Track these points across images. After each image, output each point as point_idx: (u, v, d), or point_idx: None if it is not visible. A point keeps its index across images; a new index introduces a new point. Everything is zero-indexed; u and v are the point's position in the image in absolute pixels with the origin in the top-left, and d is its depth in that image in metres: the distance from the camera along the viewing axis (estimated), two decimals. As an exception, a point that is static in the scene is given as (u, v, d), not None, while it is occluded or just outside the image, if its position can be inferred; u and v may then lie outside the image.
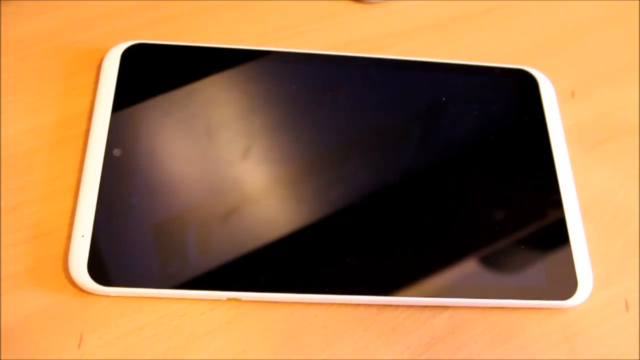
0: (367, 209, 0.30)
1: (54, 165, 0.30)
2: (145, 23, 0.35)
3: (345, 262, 0.29)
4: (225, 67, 0.33)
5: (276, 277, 0.28)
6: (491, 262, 0.30)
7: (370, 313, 0.29)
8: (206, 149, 0.31)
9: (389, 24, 0.37)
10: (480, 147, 0.33)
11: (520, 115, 0.34)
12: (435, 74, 0.34)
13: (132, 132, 0.30)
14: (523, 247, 0.30)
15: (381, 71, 0.34)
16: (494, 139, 0.33)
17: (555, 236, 0.31)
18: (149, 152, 0.30)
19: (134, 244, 0.28)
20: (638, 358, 0.30)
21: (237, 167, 0.31)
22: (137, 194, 0.29)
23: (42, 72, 0.33)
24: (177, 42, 0.33)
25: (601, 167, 0.34)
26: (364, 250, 0.29)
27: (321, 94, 0.33)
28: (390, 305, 0.29)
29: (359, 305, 0.29)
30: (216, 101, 0.32)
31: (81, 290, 0.28)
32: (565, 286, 0.30)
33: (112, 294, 0.28)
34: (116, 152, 0.30)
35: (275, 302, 0.29)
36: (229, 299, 0.28)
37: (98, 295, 0.28)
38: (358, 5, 0.37)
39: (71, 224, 0.29)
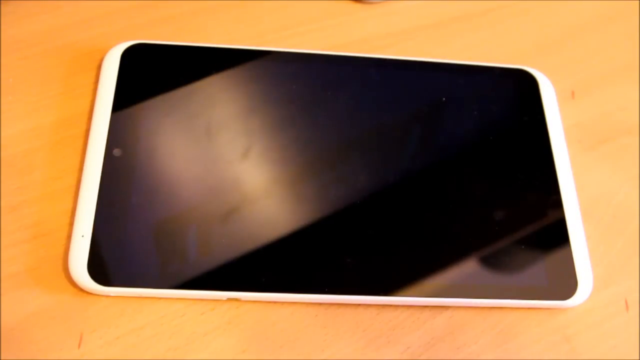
0: (367, 209, 0.30)
1: (54, 165, 0.30)
2: (145, 23, 0.35)
3: (345, 262, 0.29)
4: (225, 67, 0.33)
5: (276, 277, 0.28)
6: (491, 262, 0.30)
7: (370, 313, 0.29)
8: (206, 149, 0.31)
9: (389, 24, 0.37)
10: (480, 147, 0.33)
11: (520, 115, 0.34)
12: (435, 74, 0.34)
13: (132, 132, 0.30)
14: (523, 247, 0.30)
15: (381, 71, 0.34)
16: (494, 139, 0.33)
17: (555, 236, 0.31)
18: (149, 152, 0.30)
19: (134, 244, 0.28)
20: (638, 358, 0.30)
21: (237, 167, 0.31)
22: (137, 194, 0.29)
23: (42, 72, 0.33)
24: (177, 42, 0.33)
25: (601, 167, 0.34)
26: (364, 250, 0.29)
27: (321, 94, 0.33)
28: (390, 305, 0.29)
29: (359, 305, 0.29)
30: (216, 101, 0.32)
31: (81, 290, 0.28)
32: (565, 286, 0.30)
33: (112, 294, 0.28)
34: (116, 152, 0.30)
35: (275, 302, 0.29)
36: (229, 299, 0.28)
37: (98, 295, 0.28)
38: (358, 5, 0.37)
39: (71, 224, 0.29)
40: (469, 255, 0.30)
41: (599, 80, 0.37)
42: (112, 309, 0.28)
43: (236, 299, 0.28)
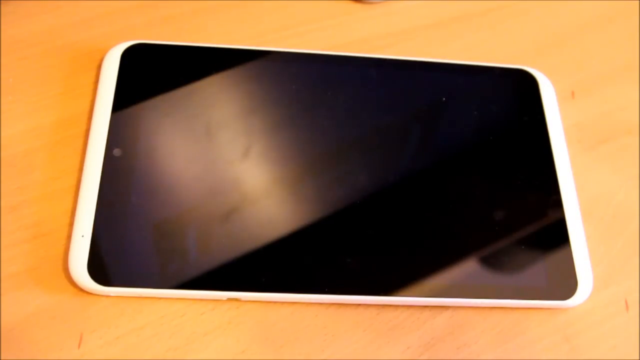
0: (367, 209, 0.30)
1: (54, 165, 0.30)
2: (145, 23, 0.35)
3: (345, 262, 0.29)
4: (225, 67, 0.33)
5: (276, 277, 0.28)
6: (491, 262, 0.30)
7: (370, 313, 0.29)
8: (206, 149, 0.31)
9: (389, 24, 0.37)
10: (481, 147, 0.33)
11: (520, 115, 0.34)
12: (435, 74, 0.34)
13: (132, 132, 0.30)
14: (523, 247, 0.30)
15: (381, 71, 0.34)
16: (494, 139, 0.33)
17: (555, 236, 0.31)
18: (149, 152, 0.30)
19: (134, 244, 0.28)
20: (638, 358, 0.30)
21: (237, 167, 0.31)
22: (137, 194, 0.29)
23: (42, 72, 0.33)
24: (177, 42, 0.33)
25: (601, 167, 0.34)
26: (364, 250, 0.29)
27: (321, 94, 0.33)
28: (390, 305, 0.29)
29: (359, 305, 0.29)
30: (216, 101, 0.32)
31: (81, 290, 0.28)
32: (565, 286, 0.30)
33: (112, 294, 0.28)
34: (116, 152, 0.30)
35: (275, 302, 0.29)
36: (229, 299, 0.28)
37: (98, 295, 0.28)
38: (358, 5, 0.37)
39: (71, 224, 0.29)
40: (469, 255, 0.30)
41: (599, 80, 0.37)
42: (112, 309, 0.28)
43: (236, 299, 0.28)
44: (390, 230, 0.30)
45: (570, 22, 0.39)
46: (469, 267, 0.30)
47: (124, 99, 0.31)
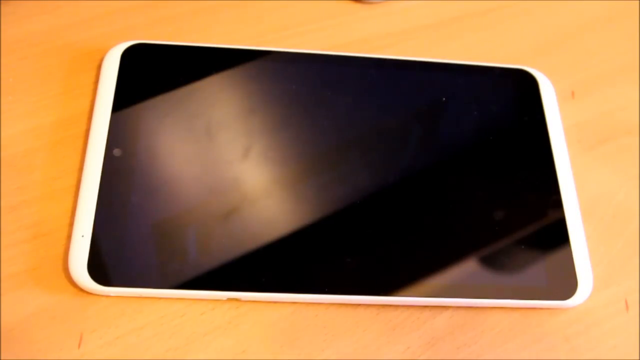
0: (367, 208, 0.30)
1: (54, 165, 0.30)
2: (145, 23, 0.35)
3: (345, 262, 0.29)
4: (225, 67, 0.33)
5: (276, 277, 0.28)
6: (491, 262, 0.30)
7: (370, 313, 0.29)
8: (206, 149, 0.31)
9: (389, 24, 0.37)
10: (481, 147, 0.33)
11: (520, 115, 0.34)
12: (435, 74, 0.34)
13: (132, 132, 0.30)
14: (523, 247, 0.30)
15: (381, 71, 0.34)
16: (494, 139, 0.33)
17: (555, 236, 0.31)
18: (149, 152, 0.30)
19: (134, 244, 0.28)
20: (638, 358, 0.30)
21: (237, 167, 0.31)
22: (137, 194, 0.29)
23: (42, 72, 0.33)
24: (177, 42, 0.33)
25: (601, 167, 0.34)
26: (364, 250, 0.29)
27: (321, 94, 0.33)
28: (390, 305, 0.29)
29: (359, 305, 0.29)
30: (216, 101, 0.32)
31: (81, 290, 0.28)
32: (565, 286, 0.30)
33: (112, 294, 0.28)
34: (116, 152, 0.30)
35: (275, 302, 0.29)
36: (229, 299, 0.28)
37: (98, 295, 0.28)
38: (358, 5, 0.37)
39: (71, 224, 0.29)
40: (469, 255, 0.30)
41: (599, 80, 0.37)
42: (112, 309, 0.28)
43: (236, 299, 0.28)
44: (390, 230, 0.30)
45: (570, 22, 0.39)
46: (469, 267, 0.30)
47: (124, 99, 0.31)
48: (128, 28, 0.35)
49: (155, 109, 0.31)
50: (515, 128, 0.34)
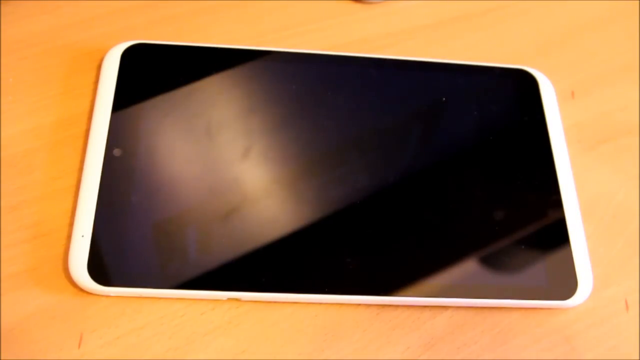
0: (367, 209, 0.30)
1: (54, 165, 0.30)
2: (145, 23, 0.35)
3: (345, 262, 0.29)
4: (225, 67, 0.33)
5: (276, 277, 0.28)
6: (491, 262, 0.30)
7: (370, 313, 0.29)
8: (206, 149, 0.31)
9: (389, 24, 0.37)
10: (481, 147, 0.33)
11: (520, 115, 0.34)
12: (435, 74, 0.34)
13: (132, 132, 0.30)
14: (523, 247, 0.30)
15: (381, 71, 0.34)
16: (494, 139, 0.33)
17: (555, 236, 0.31)
18: (149, 152, 0.30)
19: (134, 244, 0.28)
20: (638, 358, 0.30)
21: (237, 167, 0.31)
22: (137, 194, 0.29)
23: (42, 72, 0.33)
24: (177, 42, 0.33)
25: (601, 167, 0.34)
26: (364, 250, 0.29)
27: (321, 94, 0.33)
28: (390, 305, 0.29)
29: (359, 305, 0.29)
30: (216, 101, 0.32)
31: (81, 290, 0.28)
32: (565, 286, 0.30)
33: (112, 294, 0.28)
34: (116, 152, 0.30)
35: (275, 302, 0.29)
36: (229, 299, 0.28)
37: (98, 295, 0.28)
38: (358, 5, 0.37)
39: (71, 224, 0.29)
40: (469, 255, 0.30)
41: (599, 80, 0.37)
42: (112, 309, 0.28)
43: (236, 299, 0.28)
44: (390, 230, 0.30)
45: (570, 22, 0.39)
46: (469, 267, 0.30)
47: (124, 99, 0.31)
48: (128, 28, 0.35)
49: (155, 109, 0.31)
50: (515, 128, 0.34)
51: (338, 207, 0.30)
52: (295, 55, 0.34)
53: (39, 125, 0.31)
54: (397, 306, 0.29)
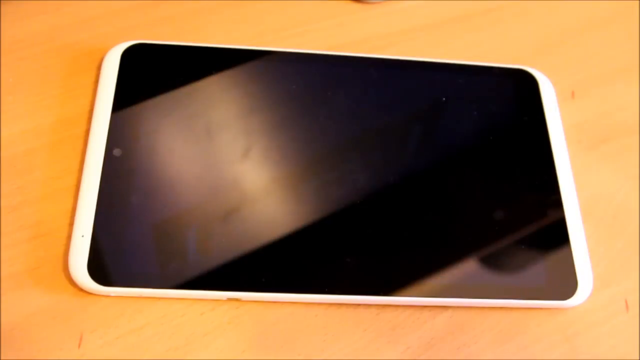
0: (367, 209, 0.30)
1: (54, 165, 0.30)
2: (145, 23, 0.35)
3: (345, 262, 0.29)
4: (225, 67, 0.33)
5: (276, 277, 0.28)
6: (491, 262, 0.30)
7: (370, 313, 0.29)
8: (206, 149, 0.31)
9: (389, 24, 0.37)
10: (480, 147, 0.33)
11: (520, 115, 0.34)
12: (435, 74, 0.34)
13: (132, 132, 0.30)
14: (523, 247, 0.30)
15: (381, 71, 0.34)
16: (494, 139, 0.33)
17: (555, 236, 0.31)
18: (149, 152, 0.30)
19: (134, 244, 0.28)
20: (638, 358, 0.30)
21: (237, 167, 0.31)
22: (137, 194, 0.29)
23: (42, 72, 0.33)
24: (177, 42, 0.33)
25: (601, 167, 0.34)
26: (364, 250, 0.29)
27: (321, 94, 0.33)
28: (390, 305, 0.29)
29: (359, 305, 0.29)
30: (216, 101, 0.32)
31: (81, 290, 0.28)
32: (565, 286, 0.30)
33: (112, 294, 0.28)
34: (116, 152, 0.30)
35: (275, 302, 0.29)
36: (229, 299, 0.28)
37: (98, 295, 0.28)
38: (358, 5, 0.37)
39: (71, 224, 0.29)
40: (469, 255, 0.30)
41: (599, 80, 0.37)
42: (112, 309, 0.28)
43: (236, 299, 0.28)
44: (390, 230, 0.30)
45: (570, 22, 0.39)
46: (469, 267, 0.30)
47: (124, 99, 0.31)
48: (128, 28, 0.35)
49: (155, 109, 0.31)
50: (515, 128, 0.34)
51: (338, 207, 0.30)
52: (295, 55, 0.34)
53: (39, 125, 0.31)
54: (397, 306, 0.29)
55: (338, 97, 0.33)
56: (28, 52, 0.33)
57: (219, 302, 0.28)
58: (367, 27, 0.37)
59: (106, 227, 0.28)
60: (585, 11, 0.40)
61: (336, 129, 0.32)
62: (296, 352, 0.28)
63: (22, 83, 0.32)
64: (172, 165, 0.30)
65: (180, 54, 0.33)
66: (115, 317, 0.28)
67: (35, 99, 0.32)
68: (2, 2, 0.34)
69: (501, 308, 0.30)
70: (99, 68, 0.33)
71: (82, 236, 0.28)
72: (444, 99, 0.34)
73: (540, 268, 0.30)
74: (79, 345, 0.27)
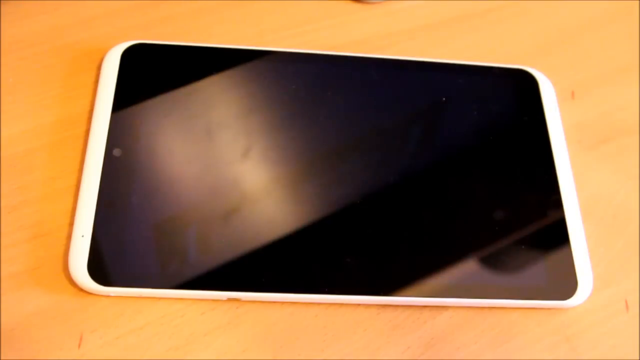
0: (367, 209, 0.30)
1: (54, 165, 0.30)
2: (145, 23, 0.35)
3: (345, 262, 0.29)
4: (225, 67, 0.33)
5: (276, 277, 0.28)
6: (491, 262, 0.30)
7: (370, 313, 0.29)
8: (206, 149, 0.31)
9: (389, 24, 0.37)
10: (481, 147, 0.33)
11: (520, 115, 0.34)
12: (435, 74, 0.34)
13: (132, 132, 0.30)
14: (523, 247, 0.30)
15: (381, 71, 0.34)
16: (494, 139, 0.33)
17: (555, 236, 0.31)
18: (149, 152, 0.30)
19: (134, 244, 0.28)
20: (638, 358, 0.30)
21: (237, 167, 0.31)
22: (137, 194, 0.29)
23: (42, 72, 0.33)
24: (177, 42, 0.33)
25: (601, 167, 0.34)
26: (364, 250, 0.29)
27: (321, 94, 0.33)
28: (390, 305, 0.29)
29: (359, 305, 0.29)
30: (216, 101, 0.32)
31: (81, 290, 0.28)
32: (565, 286, 0.30)
33: (112, 294, 0.28)
34: (116, 152, 0.30)
35: (275, 302, 0.29)
36: (229, 299, 0.28)
37: (98, 295, 0.28)
38: (358, 5, 0.37)
39: (71, 224, 0.29)
40: (469, 255, 0.30)
41: (599, 80, 0.37)
42: (112, 309, 0.28)
43: (236, 299, 0.28)
44: (390, 230, 0.30)
45: (570, 22, 0.39)
46: (469, 267, 0.30)
47: (124, 99, 0.31)
48: (128, 28, 0.35)
49: (155, 109, 0.31)
50: (515, 128, 0.34)
51: (338, 207, 0.30)
52: (295, 55, 0.34)
53: (39, 125, 0.31)
54: (397, 306, 0.29)
55: (338, 97, 0.33)
56: (28, 52, 0.33)
57: (219, 302, 0.28)
58: (367, 27, 0.37)
59: (106, 227, 0.28)
60: (585, 11, 0.40)
61: (336, 129, 0.32)
62: (296, 352, 0.28)
63: (22, 83, 0.32)
64: (172, 165, 0.30)
65: (180, 54, 0.33)
66: (115, 317, 0.28)
67: (35, 99, 0.32)
68: (2, 2, 0.34)
69: (501, 308, 0.30)
70: (99, 68, 0.33)
71: (82, 236, 0.28)
72: (444, 99, 0.34)
73: (540, 268, 0.30)
74: (79, 345, 0.27)
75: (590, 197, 0.33)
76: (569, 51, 0.38)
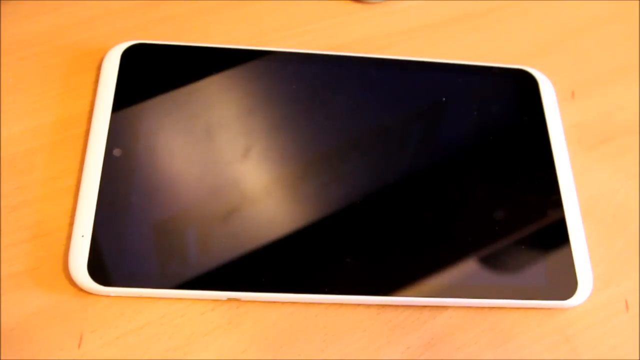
0: (367, 209, 0.30)
1: (54, 165, 0.30)
2: (145, 23, 0.35)
3: (345, 262, 0.29)
4: (225, 67, 0.33)
5: (276, 277, 0.28)
6: (491, 262, 0.30)
7: (370, 313, 0.29)
8: (206, 149, 0.31)
9: (389, 24, 0.37)
10: (480, 147, 0.33)
11: (520, 115, 0.34)
12: (435, 74, 0.34)
13: (132, 132, 0.30)
14: (523, 247, 0.30)
15: (381, 71, 0.34)
16: (494, 139, 0.33)
17: (555, 236, 0.31)
18: (149, 152, 0.30)
19: (134, 244, 0.28)
20: (638, 358, 0.30)
21: (237, 167, 0.31)
22: (137, 194, 0.29)
23: (42, 72, 0.33)
24: (177, 42, 0.33)
25: (601, 167, 0.34)
26: (364, 250, 0.29)
27: (321, 94, 0.33)
28: (390, 305, 0.29)
29: (359, 305, 0.29)
30: (216, 101, 0.32)
31: (81, 290, 0.28)
32: (565, 286, 0.30)
33: (112, 294, 0.28)
34: (116, 152, 0.30)
35: (275, 302, 0.29)
36: (229, 299, 0.28)
37: (98, 295, 0.28)
38: (358, 5, 0.37)
39: (71, 224, 0.29)
40: (469, 255, 0.30)
41: (599, 80, 0.37)
42: (112, 309, 0.28)
43: (236, 299, 0.28)
44: (390, 230, 0.30)
45: (570, 22, 0.39)
46: (468, 267, 0.30)
47: (124, 99, 0.31)
48: (128, 28, 0.35)
49: (155, 109, 0.31)
50: (515, 128, 0.34)
51: (338, 207, 0.30)
52: (295, 55, 0.34)
53: (39, 125, 0.31)
54: (397, 306, 0.29)
55: (338, 97, 0.33)
56: (28, 52, 0.33)
57: (219, 302, 0.28)
58: (367, 27, 0.37)
59: (106, 227, 0.28)
60: (585, 11, 0.40)
61: (336, 129, 0.32)
62: (296, 352, 0.28)
63: (22, 83, 0.32)
64: (172, 165, 0.30)
65: (180, 54, 0.33)
66: (115, 317, 0.28)
67: (35, 99, 0.32)
68: (2, 2, 0.34)
69: (501, 308, 0.30)
70: (99, 68, 0.33)
71: (82, 236, 0.28)
72: (444, 99, 0.34)
73: (540, 268, 0.30)
74: (79, 345, 0.27)
75: (590, 197, 0.33)
76: (569, 51, 0.38)
